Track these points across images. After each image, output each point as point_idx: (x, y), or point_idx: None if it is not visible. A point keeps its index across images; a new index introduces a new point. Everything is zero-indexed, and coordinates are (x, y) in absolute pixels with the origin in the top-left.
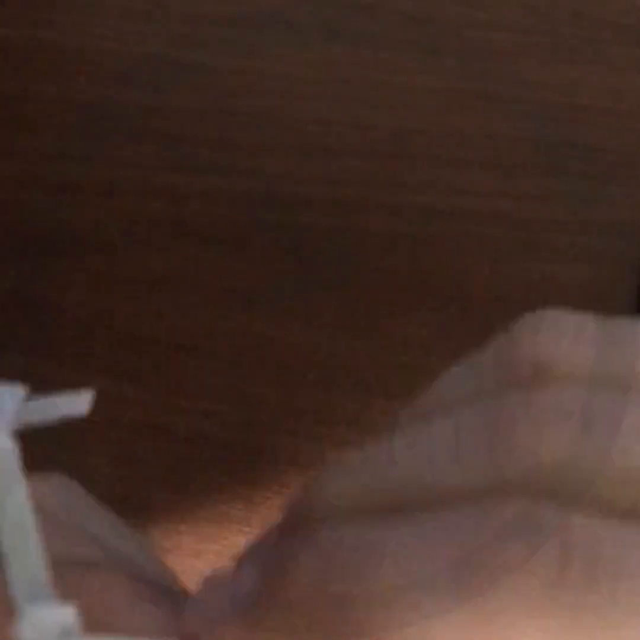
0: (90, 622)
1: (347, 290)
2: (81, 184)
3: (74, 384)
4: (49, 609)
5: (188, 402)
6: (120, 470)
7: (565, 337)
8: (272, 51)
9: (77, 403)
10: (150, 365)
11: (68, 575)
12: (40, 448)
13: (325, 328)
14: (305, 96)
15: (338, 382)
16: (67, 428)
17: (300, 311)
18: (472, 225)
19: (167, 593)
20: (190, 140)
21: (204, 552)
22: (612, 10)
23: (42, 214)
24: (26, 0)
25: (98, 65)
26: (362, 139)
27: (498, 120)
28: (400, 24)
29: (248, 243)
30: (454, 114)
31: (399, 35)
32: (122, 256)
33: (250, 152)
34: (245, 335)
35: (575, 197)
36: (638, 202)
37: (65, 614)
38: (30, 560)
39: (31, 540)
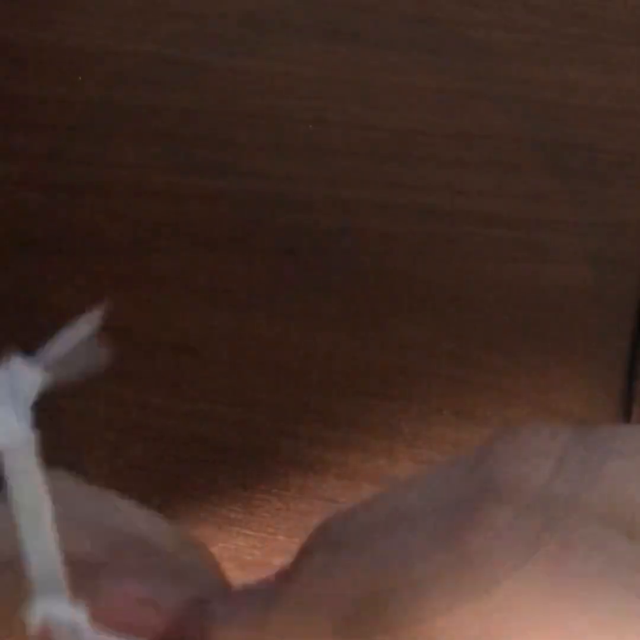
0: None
1: (347, 290)
2: (81, 184)
3: (73, 385)
4: (62, 604)
5: (187, 403)
6: (119, 472)
7: (532, 458)
8: (272, 51)
9: (87, 324)
10: (150, 366)
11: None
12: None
13: (325, 329)
14: (305, 96)
15: (338, 384)
16: (67, 428)
17: (300, 312)
18: (472, 225)
19: (188, 578)
20: (190, 140)
21: None
22: (612, 10)
23: (42, 214)
24: (26, 0)
25: (98, 65)
26: (362, 139)
27: (498, 120)
28: (400, 24)
29: (248, 243)
30: (454, 114)
31: (399, 35)
32: (122, 256)
33: (250, 152)
34: (245, 336)
35: (575, 197)
36: (638, 202)
37: (77, 611)
38: (45, 554)
39: (48, 533)
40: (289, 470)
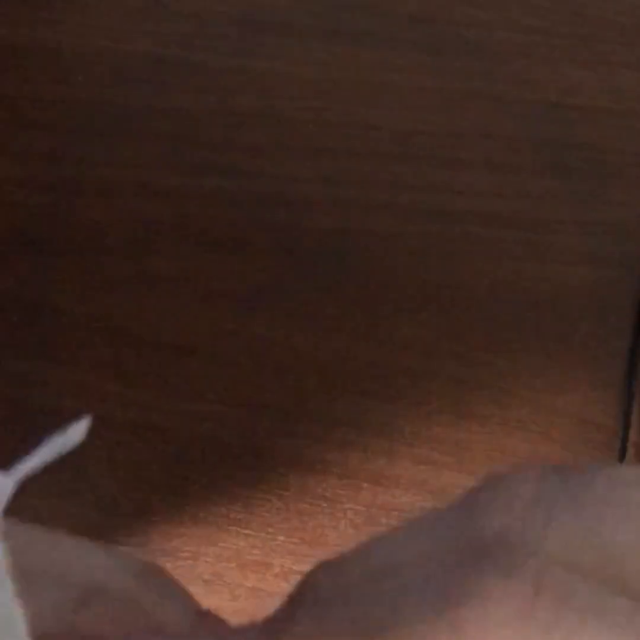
0: None
1: (347, 291)
2: (81, 184)
3: (73, 385)
4: None
5: (187, 404)
6: (118, 472)
7: (519, 508)
8: (272, 51)
9: (72, 436)
10: (149, 366)
11: None
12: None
13: (325, 329)
14: (305, 96)
15: (338, 384)
16: (64, 428)
17: (300, 312)
18: (472, 226)
19: (160, 619)
20: (190, 140)
21: (202, 554)
22: (612, 10)
23: (42, 214)
24: (26, 0)
25: (98, 65)
26: (362, 139)
27: (498, 120)
28: (401, 24)
29: (248, 243)
30: (454, 114)
31: (399, 35)
32: (122, 256)
33: (250, 152)
34: (245, 337)
35: (576, 197)
36: (638, 202)
37: None
38: None
39: None
40: (289, 470)
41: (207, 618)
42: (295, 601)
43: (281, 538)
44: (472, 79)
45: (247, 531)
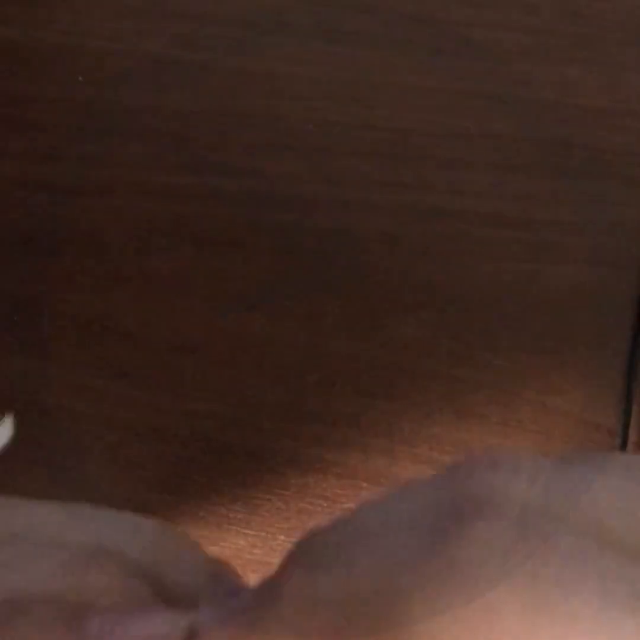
0: None
1: (346, 290)
2: (81, 184)
3: (73, 385)
4: None
5: (187, 403)
6: (119, 472)
7: (507, 472)
8: (272, 51)
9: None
10: (149, 366)
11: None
12: (38, 450)
13: (324, 329)
14: (305, 96)
15: (338, 383)
16: (67, 428)
17: (299, 312)
18: (472, 225)
19: (173, 581)
20: (190, 140)
21: None
22: (612, 10)
23: (42, 214)
24: (26, 0)
25: (98, 65)
26: (362, 139)
27: (498, 120)
28: (401, 24)
29: (248, 243)
30: (454, 114)
31: (399, 35)
32: (122, 256)
33: (250, 152)
34: (245, 336)
35: (575, 197)
36: (638, 202)
37: None
38: None
39: None
40: (289, 470)
41: (217, 577)
42: (289, 565)
43: (281, 537)
44: (472, 79)
45: (247, 531)
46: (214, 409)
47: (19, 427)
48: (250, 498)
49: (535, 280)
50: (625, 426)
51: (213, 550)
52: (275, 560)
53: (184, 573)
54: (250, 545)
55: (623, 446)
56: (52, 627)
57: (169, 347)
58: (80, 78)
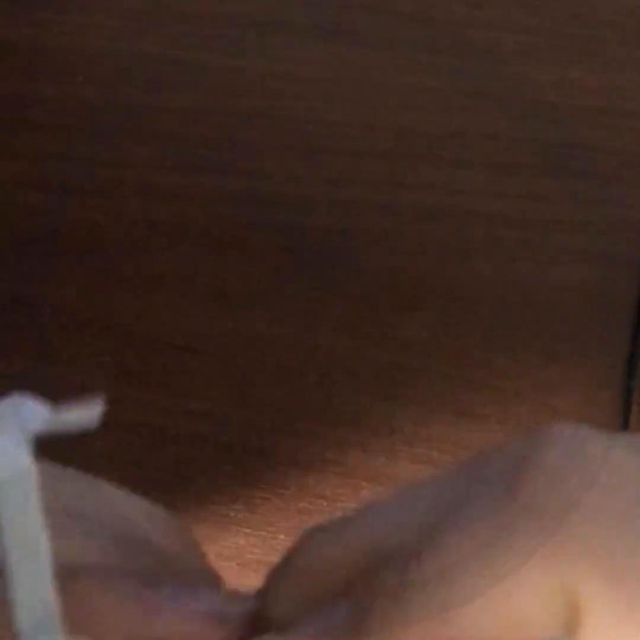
0: (75, 628)
1: (347, 290)
2: (81, 184)
3: (73, 385)
4: None
5: (187, 403)
6: (119, 471)
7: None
8: (272, 51)
9: (88, 414)
10: (150, 365)
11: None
12: (38, 449)
13: (325, 328)
14: (305, 96)
15: (338, 383)
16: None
17: (300, 311)
18: (472, 225)
19: (183, 575)
20: (190, 140)
21: None
22: (612, 10)
23: (42, 214)
24: (26, 0)
25: (98, 65)
26: (362, 139)
27: (498, 120)
28: (400, 24)
29: (248, 243)
30: (454, 114)
31: (399, 35)
32: (122, 256)
33: (250, 152)
34: (245, 336)
35: (575, 197)
36: (638, 202)
37: None
38: (40, 589)
39: (43, 568)
40: (289, 469)
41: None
42: (286, 566)
43: (281, 537)
44: (472, 79)
45: (247, 530)
46: (214, 409)
47: None
48: (251, 497)
49: (535, 280)
50: (625, 426)
51: (213, 549)
52: (276, 559)
53: (194, 563)
54: (251, 545)
55: None
56: (120, 588)
57: (169, 347)
58: (80, 78)
